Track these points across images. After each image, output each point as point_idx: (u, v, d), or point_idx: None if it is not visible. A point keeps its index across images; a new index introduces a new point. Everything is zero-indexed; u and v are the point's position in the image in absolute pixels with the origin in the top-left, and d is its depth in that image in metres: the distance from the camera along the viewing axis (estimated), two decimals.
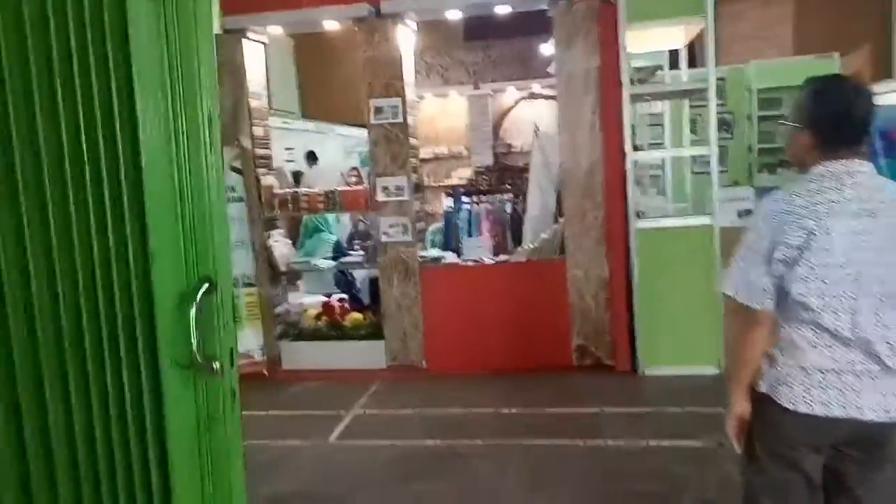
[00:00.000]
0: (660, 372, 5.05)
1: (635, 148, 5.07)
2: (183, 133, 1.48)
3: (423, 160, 9.09)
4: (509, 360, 5.33)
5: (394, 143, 5.38)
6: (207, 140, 1.53)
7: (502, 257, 5.54)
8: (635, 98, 5.09)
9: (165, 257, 1.46)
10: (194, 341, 1.48)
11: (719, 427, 2.23)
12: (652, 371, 5.07)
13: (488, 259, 5.47)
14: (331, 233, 6.62)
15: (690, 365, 5.00)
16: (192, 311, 1.48)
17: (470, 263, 5.46)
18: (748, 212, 4.74)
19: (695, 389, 4.72)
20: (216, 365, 1.52)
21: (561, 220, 5.41)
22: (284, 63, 19.78)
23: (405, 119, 5.37)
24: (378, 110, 5.38)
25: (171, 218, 1.47)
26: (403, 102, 5.37)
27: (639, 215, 5.03)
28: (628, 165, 4.99)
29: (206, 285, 1.52)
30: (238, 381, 1.73)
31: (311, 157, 12.95)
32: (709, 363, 4.98)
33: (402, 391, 5.13)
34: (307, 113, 19.94)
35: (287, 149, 15.62)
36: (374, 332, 5.60)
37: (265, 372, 5.62)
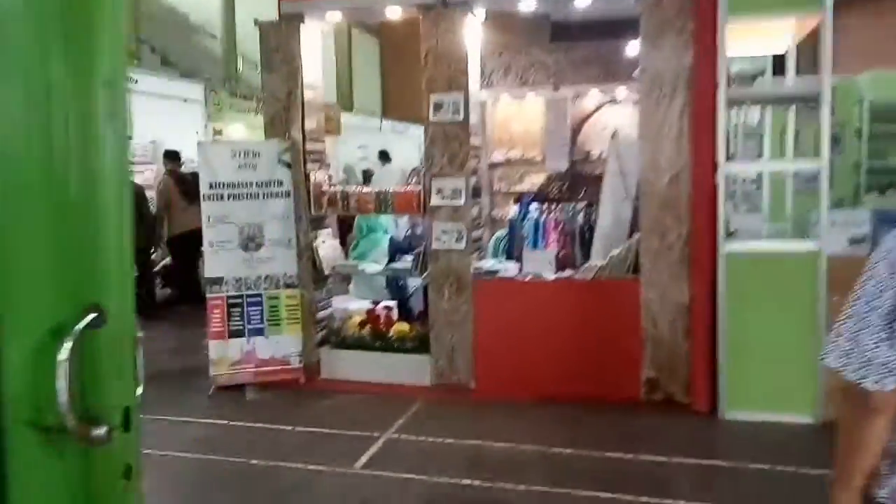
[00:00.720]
0: (744, 417, 4.35)
1: (729, 158, 4.39)
2: (64, 103, 1.04)
3: (494, 164, 8.62)
4: (567, 389, 4.75)
5: (452, 143, 4.90)
6: (105, 113, 1.08)
7: (567, 273, 4.96)
8: (732, 102, 4.41)
9: (21, 275, 1.01)
10: (64, 394, 1.02)
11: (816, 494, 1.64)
12: (735, 415, 4.37)
13: (549, 275, 4.90)
14: (386, 234, 6.20)
15: (782, 411, 4.29)
16: (64, 352, 1.02)
17: (529, 278, 4.90)
18: (863, 239, 4.00)
19: (785, 442, 4.02)
20: (99, 430, 1.07)
21: (636, 235, 4.78)
22: (369, 63, 19.77)
23: (466, 117, 4.88)
24: (437, 106, 4.91)
25: (33, 220, 1.02)
26: (466, 99, 4.88)
27: (730, 235, 4.35)
28: (720, 177, 4.32)
29: (92, 316, 1.07)
30: (136, 451, 1.25)
31: (384, 157, 12.67)
32: (804, 411, 4.25)
33: (443, 415, 4.64)
34: (388, 112, 19.88)
35: (360, 147, 15.50)
36: (421, 346, 5.13)
37: (301, 380, 5.26)
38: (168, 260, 8.33)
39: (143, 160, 9.17)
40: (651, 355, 4.64)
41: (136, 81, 8.42)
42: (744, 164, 5.08)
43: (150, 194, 8.13)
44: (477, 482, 3.61)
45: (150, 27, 10.45)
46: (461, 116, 4.87)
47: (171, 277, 8.53)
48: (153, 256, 8.16)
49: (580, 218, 5.51)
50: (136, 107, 9.50)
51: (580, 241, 5.47)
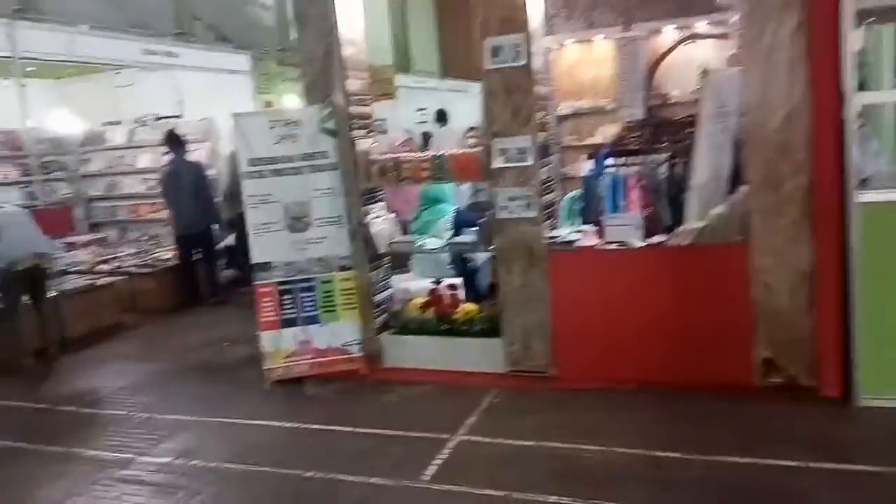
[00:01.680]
0: (886, 403, 3.58)
1: (861, 87, 3.53)
2: None
3: (562, 117, 7.84)
4: (664, 372, 4.07)
5: (515, 94, 4.21)
6: None
7: (657, 238, 4.23)
8: (863, 15, 3.54)
9: None
10: None
11: None
12: (875, 401, 3.60)
13: (637, 242, 4.18)
14: (449, 204, 5.58)
15: None
16: None
17: (613, 247, 4.21)
18: None
19: None
20: None
21: (742, 189, 4.00)
22: (424, 21, 18.94)
23: (530, 61, 4.17)
24: (495, 52, 4.22)
25: None
26: (528, 40, 4.16)
27: (863, 184, 3.53)
28: (849, 113, 3.48)
29: None
30: None
31: (441, 117, 11.97)
32: None
33: (521, 409, 4.04)
34: (448, 71, 19.05)
35: (419, 109, 14.83)
36: (491, 329, 4.54)
37: (362, 371, 4.77)
38: (231, 240, 8.01)
39: (197, 138, 8.85)
40: (766, 332, 3.88)
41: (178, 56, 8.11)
42: (882, 93, 4.14)
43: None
44: (566, 500, 3.02)
45: (203, 2, 10.08)
46: (524, 61, 4.16)
47: (233, 258, 8.22)
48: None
49: (664, 171, 4.74)
50: (186, 83, 9.20)
51: (670, 198, 4.71)
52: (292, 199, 4.67)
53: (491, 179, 4.34)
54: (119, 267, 7.51)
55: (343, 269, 4.76)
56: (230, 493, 3.43)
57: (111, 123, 9.61)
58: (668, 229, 4.35)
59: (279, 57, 10.43)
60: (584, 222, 4.70)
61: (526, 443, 3.59)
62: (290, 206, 4.68)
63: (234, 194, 7.27)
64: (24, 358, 5.62)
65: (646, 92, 8.62)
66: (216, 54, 8.69)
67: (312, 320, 4.79)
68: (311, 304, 4.78)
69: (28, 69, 7.49)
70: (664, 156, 4.98)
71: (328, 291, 4.79)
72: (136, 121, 9.42)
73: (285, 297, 4.76)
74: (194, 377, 5.22)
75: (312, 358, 4.80)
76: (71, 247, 8.00)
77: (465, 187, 5.94)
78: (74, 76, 9.42)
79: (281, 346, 4.77)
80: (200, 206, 7.22)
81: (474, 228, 4.81)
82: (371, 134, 4.88)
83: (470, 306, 4.71)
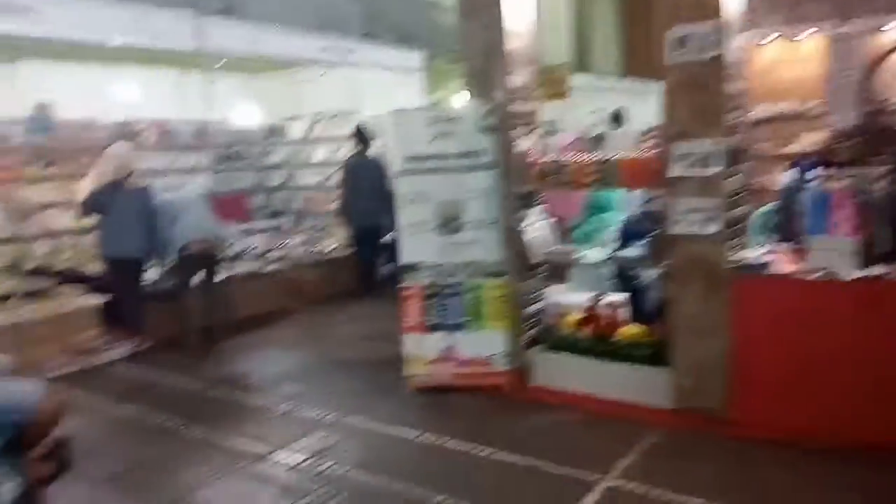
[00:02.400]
0: None
1: None
2: None
3: (758, 121, 6.95)
4: (867, 430, 3.30)
5: (700, 92, 3.63)
6: None
7: (874, 270, 3.45)
8: None
9: None
10: None
11: None
12: None
13: (848, 270, 3.43)
14: (616, 213, 5.06)
15: None
16: None
17: (816, 276, 3.48)
18: None
19: None
20: None
21: None
22: (605, 18, 18.19)
23: (720, 54, 3.57)
24: (680, 42, 3.66)
25: None
26: (719, 29, 3.57)
27: None
28: None
29: None
30: None
31: (616, 119, 11.26)
32: None
33: (688, 456, 3.47)
34: (628, 71, 18.12)
35: (593, 111, 14.16)
36: (656, 356, 3.99)
37: (507, 387, 4.41)
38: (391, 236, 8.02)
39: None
40: None
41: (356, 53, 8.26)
42: None
43: None
44: None
45: (390, 3, 10.29)
46: (714, 53, 3.57)
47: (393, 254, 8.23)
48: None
49: (882, 188, 3.89)
50: (362, 81, 9.40)
51: (888, 220, 3.85)
52: (445, 199, 4.42)
53: (666, 188, 3.79)
54: (287, 255, 7.77)
55: (494, 275, 4.43)
56: None
57: (292, 119, 10.06)
58: (886, 258, 3.54)
59: (450, 55, 10.37)
60: (780, 240, 3.99)
61: (691, 499, 3.03)
62: (443, 206, 4.43)
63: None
64: (190, 337, 5.91)
65: (860, 96, 7.45)
66: (391, 52, 8.78)
67: (458, 327, 4.51)
68: (457, 310, 4.51)
69: (217, 65, 7.99)
70: (883, 169, 4.11)
71: (476, 298, 4.49)
72: (314, 117, 9.77)
73: (431, 300, 4.53)
74: (340, 372, 5.17)
75: (455, 367, 4.52)
76: (247, 233, 8.44)
77: (636, 195, 5.36)
78: (260, 72, 9.96)
79: (423, 351, 4.55)
80: (378, 200, 7.24)
81: (643, 242, 4.27)
82: (533, 133, 4.51)
83: (633, 328, 4.18)
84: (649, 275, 4.41)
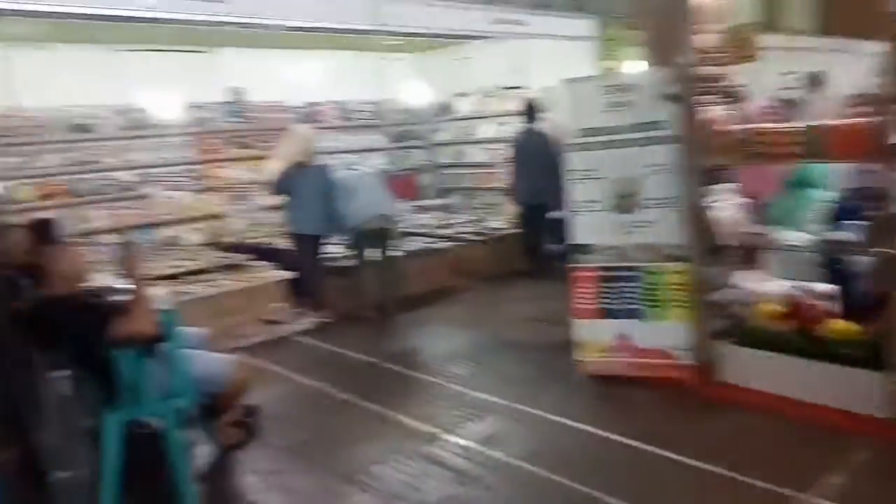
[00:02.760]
0: None
1: None
2: None
3: None
4: None
5: None
6: None
7: None
8: None
9: None
10: None
11: None
12: None
13: None
14: (822, 189, 4.44)
15: None
16: None
17: None
18: None
19: None
20: None
21: None
22: None
23: None
24: None
25: None
26: None
27: None
28: None
29: None
30: None
31: (815, 82, 10.05)
32: None
33: None
34: (827, 29, 16.13)
35: (786, 73, 12.77)
36: (870, 358, 3.45)
37: (690, 382, 4.06)
38: (560, 213, 7.78)
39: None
40: None
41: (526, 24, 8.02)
42: None
43: None
44: None
45: None
46: None
47: (559, 232, 7.99)
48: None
49: None
50: (530, 53, 9.16)
51: None
52: (620, 175, 4.12)
53: (887, 160, 3.22)
54: (456, 233, 7.82)
55: (674, 259, 4.07)
56: (522, 499, 3.12)
57: (459, 95, 10.07)
58: None
59: (626, 20, 9.78)
60: None
61: None
62: (618, 182, 4.14)
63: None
64: (366, 311, 6.13)
65: None
66: (562, 21, 8.44)
67: (634, 314, 4.22)
68: (633, 296, 4.22)
69: (388, 43, 8.14)
70: None
71: (654, 284, 4.17)
72: (481, 92, 9.71)
73: (605, 284, 4.27)
74: (508, 354, 5.08)
75: (630, 357, 4.25)
76: (418, 210, 8.61)
77: (845, 170, 4.68)
78: (428, 49, 10.04)
79: (596, 337, 4.32)
80: (546, 177, 7.06)
81: (856, 223, 3.69)
82: (723, 101, 4.05)
83: (843, 324, 3.64)
84: (863, 262, 3.81)
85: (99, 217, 7.56)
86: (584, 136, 4.17)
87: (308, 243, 6.06)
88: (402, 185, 7.44)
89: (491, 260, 7.49)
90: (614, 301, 4.25)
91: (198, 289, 5.67)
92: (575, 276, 4.35)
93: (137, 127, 7.74)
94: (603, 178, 4.15)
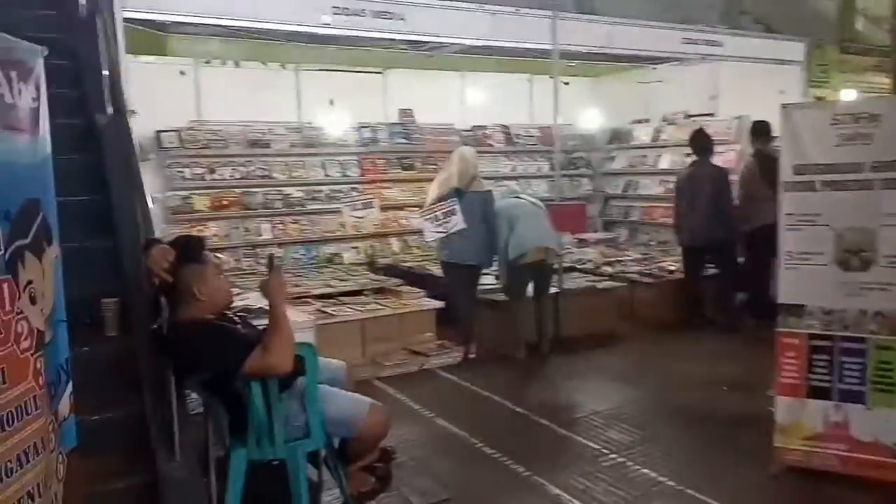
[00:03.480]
0: None
1: None
2: None
3: None
4: None
5: None
6: None
7: None
8: None
9: None
10: None
11: None
12: None
13: None
14: None
15: None
16: None
17: None
18: None
19: None
20: None
21: None
22: None
23: None
24: None
25: None
26: None
27: None
28: None
29: None
30: None
31: None
32: None
33: None
34: None
35: None
36: None
37: None
38: (743, 258, 6.85)
39: (726, 139, 7.88)
40: None
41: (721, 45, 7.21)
42: None
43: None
44: None
45: None
46: None
47: (745, 279, 7.02)
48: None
49: None
50: (722, 78, 8.27)
51: None
52: (851, 224, 3.31)
53: None
54: (622, 271, 7.12)
55: None
56: None
57: (639, 122, 9.36)
58: None
59: (842, 45, 8.58)
60: None
61: None
62: (846, 233, 3.33)
63: (752, 204, 6.10)
64: (518, 351, 5.63)
65: None
66: (764, 43, 7.49)
67: (855, 397, 3.36)
68: (856, 374, 3.36)
69: (568, 64, 7.67)
70: None
71: (887, 362, 3.29)
72: (663, 119, 8.95)
73: (819, 356, 3.45)
74: (680, 424, 4.34)
75: (846, 450, 3.38)
76: (581, 244, 8.01)
77: None
78: (607, 74, 9.46)
79: (802, 420, 3.49)
80: (716, 216, 6.25)
81: None
82: None
83: None
84: None
85: (265, 230, 7.75)
86: (804, 174, 3.40)
87: (461, 273, 5.67)
88: (568, 215, 6.86)
89: (661, 305, 6.71)
90: (830, 378, 3.41)
91: (348, 311, 5.48)
92: (779, 342, 3.56)
93: (309, 144, 7.88)
94: (826, 226, 3.36)
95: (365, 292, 6.02)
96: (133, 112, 4.25)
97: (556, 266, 5.89)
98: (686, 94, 8.59)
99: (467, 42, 6.80)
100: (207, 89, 7.58)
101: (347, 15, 5.17)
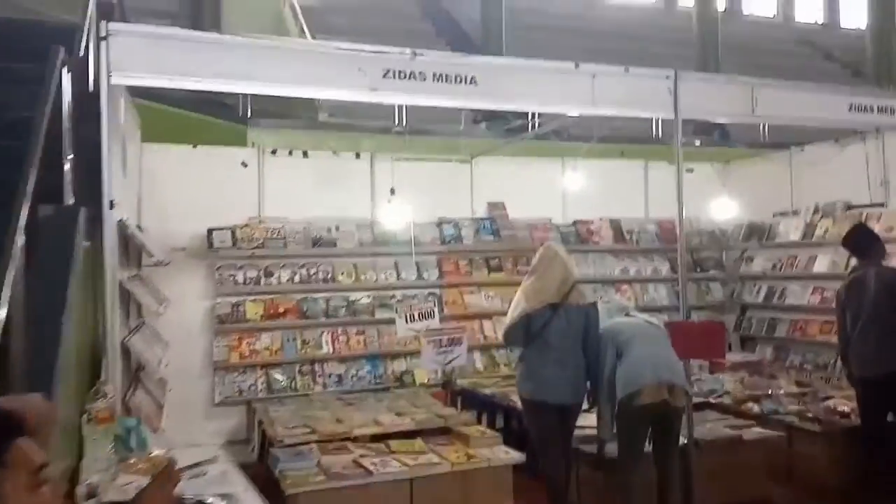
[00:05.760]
0: None
1: None
2: None
3: None
4: None
5: None
6: None
7: None
8: None
9: None
10: None
11: None
12: None
13: None
14: None
15: None
16: None
17: None
18: None
19: None
20: None
21: None
22: None
23: None
24: None
25: None
26: None
27: None
28: None
29: None
30: None
31: None
32: None
33: None
34: None
35: None
36: None
37: None
38: None
39: None
40: None
41: None
42: None
43: None
44: None
45: None
46: None
47: None
48: None
49: None
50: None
51: None
52: None
53: None
54: (775, 412, 5.30)
55: None
56: None
57: (782, 214, 7.63)
58: None
59: None
60: None
61: None
62: None
63: None
64: None
65: None
66: None
67: None
68: None
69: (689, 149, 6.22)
70: None
71: None
72: (816, 210, 7.20)
73: None
74: None
75: None
76: (715, 369, 6.26)
77: None
78: (740, 159, 7.90)
79: None
80: (894, 334, 4.44)
81: None
82: None
83: None
84: None
85: (325, 341, 6.61)
86: None
87: (550, 416, 4.16)
88: (699, 335, 5.08)
89: (833, 461, 4.82)
90: None
91: (393, 466, 4.06)
92: None
93: (380, 242, 6.78)
94: None
95: (423, 431, 4.63)
96: (112, 203, 3.23)
97: (684, 409, 4.26)
98: (844, 179, 6.84)
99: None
100: (269, 181, 6.74)
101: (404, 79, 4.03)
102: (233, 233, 6.42)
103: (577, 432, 4.37)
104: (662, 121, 7.35)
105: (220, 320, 6.31)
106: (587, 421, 4.44)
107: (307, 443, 4.30)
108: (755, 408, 5.40)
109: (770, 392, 5.71)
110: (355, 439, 4.49)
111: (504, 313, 5.41)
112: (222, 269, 6.40)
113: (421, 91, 3.90)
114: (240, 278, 6.42)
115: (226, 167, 6.51)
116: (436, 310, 5.12)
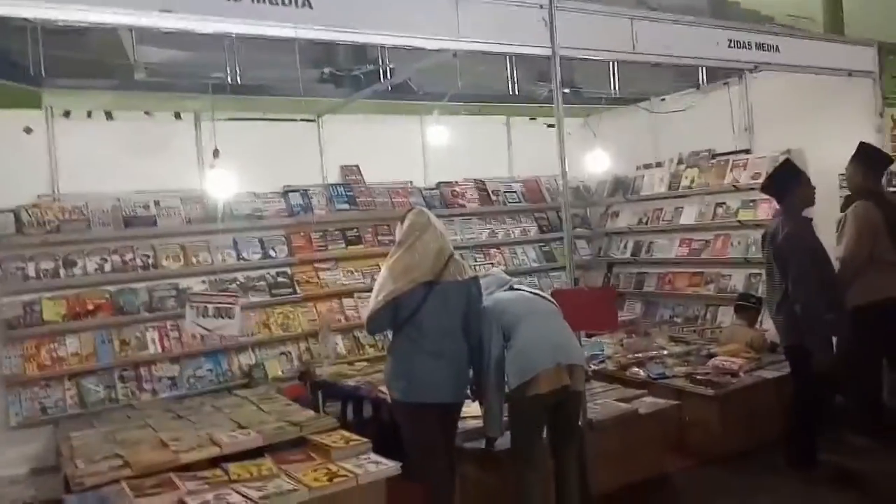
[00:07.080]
0: None
1: None
2: None
3: None
4: None
5: None
6: None
7: None
8: None
9: None
10: None
11: None
12: None
13: None
14: None
15: None
16: None
17: None
18: None
19: None
20: None
21: None
22: None
23: None
24: None
25: None
26: None
27: None
28: None
29: None
30: None
31: None
32: None
33: None
34: None
35: None
36: None
37: None
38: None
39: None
40: None
41: None
42: None
43: None
44: None
45: None
46: None
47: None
48: None
49: None
50: (763, 103, 6.38)
51: None
52: None
53: None
54: (663, 376, 4.96)
55: None
56: None
57: (648, 167, 7.42)
58: None
59: None
60: None
61: None
62: None
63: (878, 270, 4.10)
64: None
65: None
66: (823, 48, 5.54)
67: None
68: None
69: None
70: None
71: None
72: (680, 161, 7.04)
73: None
74: None
75: None
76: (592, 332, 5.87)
77: None
78: (601, 112, 7.54)
79: None
80: (824, 287, 4.14)
81: None
82: None
83: None
84: None
85: (152, 340, 5.49)
86: None
87: (429, 418, 3.43)
88: (588, 302, 4.38)
89: (729, 425, 4.53)
90: None
91: (234, 501, 3.17)
92: None
93: (211, 219, 5.68)
94: None
95: (278, 445, 3.76)
96: None
97: (583, 394, 3.71)
98: (708, 127, 6.66)
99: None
100: (63, 152, 5.42)
101: None
102: (16, 215, 5.10)
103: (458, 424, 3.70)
104: (519, 77, 6.87)
105: (8, 325, 5.03)
106: (469, 411, 3.79)
107: (116, 480, 3.31)
108: (641, 372, 5.04)
109: (653, 354, 5.39)
110: (187, 467, 3.53)
111: (367, 290, 4.60)
112: (6, 262, 5.07)
113: (234, 14, 2.93)
114: (31, 271, 5.14)
115: (5, 135, 5.14)
116: (238, 317, 4.71)
